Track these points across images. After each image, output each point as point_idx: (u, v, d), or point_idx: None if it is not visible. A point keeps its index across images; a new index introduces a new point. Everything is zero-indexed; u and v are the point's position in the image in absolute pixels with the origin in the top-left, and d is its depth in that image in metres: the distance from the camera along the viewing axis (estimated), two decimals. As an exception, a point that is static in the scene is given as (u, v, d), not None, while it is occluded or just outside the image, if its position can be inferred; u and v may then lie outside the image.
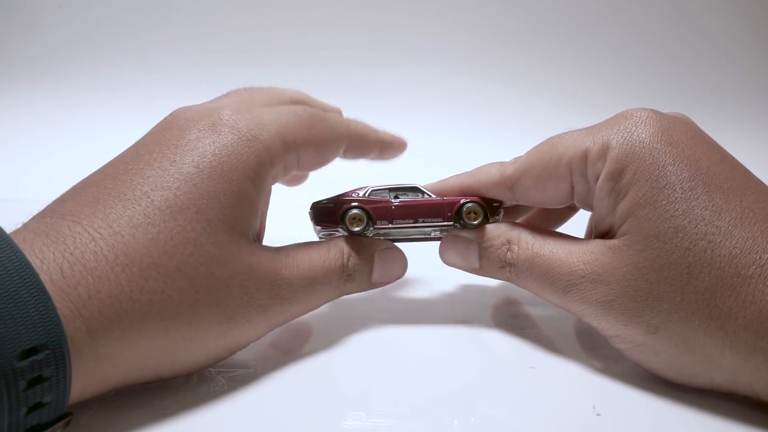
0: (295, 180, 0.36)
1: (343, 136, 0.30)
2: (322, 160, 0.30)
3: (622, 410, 0.24)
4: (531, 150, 0.29)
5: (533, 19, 0.86)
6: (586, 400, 0.25)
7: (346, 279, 0.29)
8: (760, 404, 0.24)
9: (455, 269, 0.31)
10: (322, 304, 0.29)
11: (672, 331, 0.23)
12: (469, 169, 0.32)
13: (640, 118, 0.26)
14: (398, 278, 0.32)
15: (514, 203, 0.32)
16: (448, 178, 0.32)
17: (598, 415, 0.24)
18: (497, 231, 0.30)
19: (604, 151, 0.26)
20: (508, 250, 0.29)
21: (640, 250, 0.24)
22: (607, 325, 0.26)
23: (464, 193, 0.31)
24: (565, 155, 0.27)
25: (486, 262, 0.30)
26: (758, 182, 0.25)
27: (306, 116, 0.29)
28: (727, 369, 0.23)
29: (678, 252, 0.23)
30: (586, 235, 0.34)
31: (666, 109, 0.28)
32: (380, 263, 0.30)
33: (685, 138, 0.26)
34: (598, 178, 0.27)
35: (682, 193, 0.24)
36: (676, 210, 0.24)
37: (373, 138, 0.32)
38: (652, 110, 0.27)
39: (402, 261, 0.32)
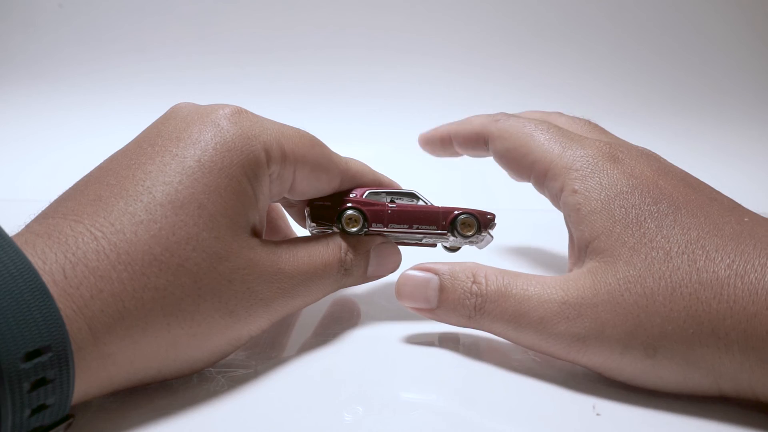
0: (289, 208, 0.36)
1: (340, 168, 0.30)
2: (315, 184, 0.29)
3: (622, 410, 0.24)
4: (513, 124, 0.31)
5: (533, 18, 0.86)
6: (586, 400, 0.25)
7: (344, 273, 0.30)
8: (761, 406, 0.24)
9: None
10: (321, 297, 0.29)
11: (670, 349, 0.23)
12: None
13: (602, 149, 0.28)
14: (392, 272, 0.32)
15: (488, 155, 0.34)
16: (440, 126, 0.36)
17: (598, 415, 0.24)
18: (461, 266, 0.28)
19: (564, 171, 0.28)
20: (473, 282, 0.27)
21: (621, 266, 0.25)
22: (601, 358, 0.25)
23: (449, 141, 0.35)
24: (532, 159, 0.30)
25: (446, 297, 0.28)
26: (722, 198, 0.27)
27: (307, 136, 0.29)
28: (728, 375, 0.23)
29: (657, 263, 0.24)
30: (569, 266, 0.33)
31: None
32: (375, 258, 0.31)
33: (649, 169, 0.27)
34: (558, 192, 0.28)
35: (650, 214, 0.25)
36: (648, 227, 0.25)
37: (370, 179, 0.32)
38: (613, 143, 0.29)
39: (396, 256, 0.32)
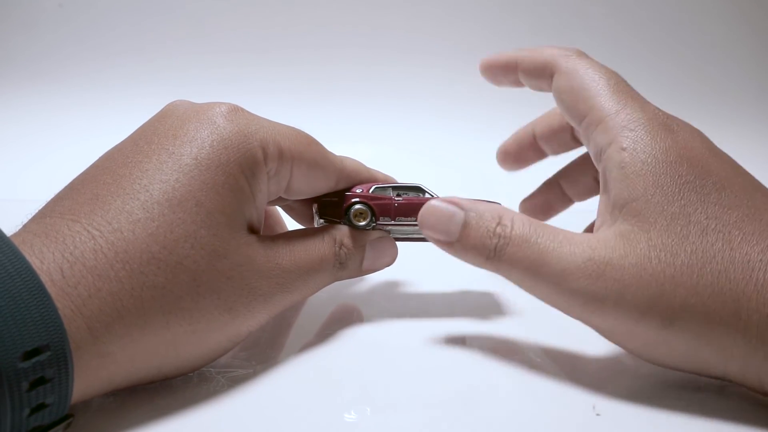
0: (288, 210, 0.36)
1: (337, 166, 0.30)
2: (312, 182, 0.30)
3: (622, 410, 0.24)
4: (584, 64, 0.30)
5: (534, 18, 0.86)
6: (586, 400, 0.25)
7: (339, 267, 0.30)
8: (761, 403, 0.24)
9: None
10: (317, 290, 0.29)
11: (687, 322, 0.23)
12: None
13: (661, 118, 0.27)
14: (387, 266, 0.32)
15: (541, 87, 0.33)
16: (506, 51, 0.34)
17: (598, 415, 0.24)
18: (489, 206, 0.28)
19: (618, 128, 0.27)
20: (499, 224, 0.27)
21: (655, 233, 0.24)
22: (616, 322, 0.24)
23: (513, 67, 0.33)
24: (591, 105, 0.29)
25: (468, 233, 0.27)
26: (765, 189, 0.27)
27: (304, 134, 0.29)
28: (739, 358, 0.23)
29: (692, 237, 0.24)
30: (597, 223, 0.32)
31: (667, 109, 0.28)
32: (371, 252, 0.31)
33: (700, 146, 0.27)
34: (605, 146, 0.27)
35: (692, 187, 0.25)
36: (689, 200, 0.25)
37: (365, 177, 0.32)
38: (669, 116, 0.28)
39: (392, 250, 0.32)
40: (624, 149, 0.26)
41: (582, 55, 0.31)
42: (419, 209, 0.31)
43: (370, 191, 0.31)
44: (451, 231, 0.27)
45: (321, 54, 0.83)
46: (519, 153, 0.40)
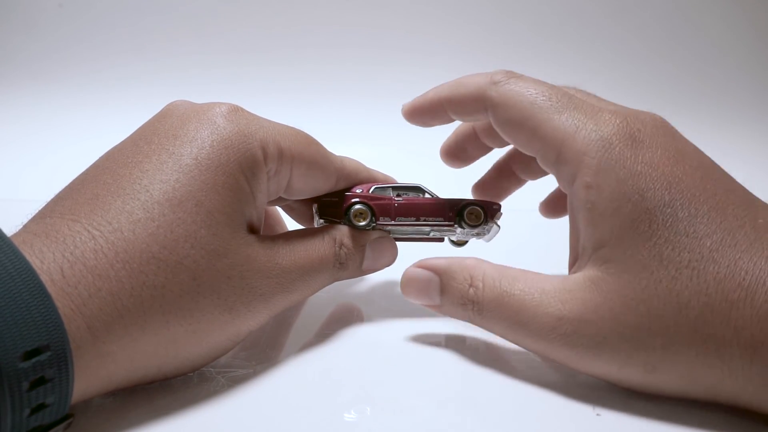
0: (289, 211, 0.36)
1: (336, 166, 0.30)
2: (312, 182, 0.30)
3: (622, 410, 0.24)
4: (516, 90, 0.27)
5: (534, 18, 0.86)
6: (586, 401, 0.25)
7: (339, 267, 0.30)
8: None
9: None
10: (317, 290, 0.29)
11: (670, 368, 0.23)
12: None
13: (619, 128, 0.25)
14: (388, 266, 0.32)
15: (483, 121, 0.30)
16: (427, 92, 0.31)
17: (598, 415, 0.24)
18: (459, 265, 0.28)
19: (578, 157, 0.25)
20: (471, 286, 0.27)
21: (627, 280, 0.23)
22: (599, 371, 0.24)
23: (441, 108, 0.30)
24: (541, 135, 0.27)
25: (447, 298, 0.28)
26: (737, 189, 0.25)
27: (303, 134, 0.29)
28: (728, 393, 0.23)
29: (665, 281, 0.23)
30: (570, 259, 0.30)
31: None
32: (371, 252, 0.31)
33: (666, 156, 0.25)
34: (570, 179, 0.26)
35: (663, 220, 0.23)
36: (659, 237, 0.23)
37: (365, 177, 0.32)
38: (628, 116, 0.26)
39: (392, 250, 0.32)
40: (589, 186, 0.25)
41: (511, 76, 0.28)
42: (419, 208, 0.31)
43: (370, 191, 0.31)
44: (432, 296, 0.28)
45: (321, 54, 0.83)
46: (460, 149, 0.37)
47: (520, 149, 0.29)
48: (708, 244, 0.23)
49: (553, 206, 0.39)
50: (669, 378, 0.23)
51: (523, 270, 0.27)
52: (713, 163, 0.26)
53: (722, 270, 0.22)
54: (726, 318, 0.22)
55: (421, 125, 0.34)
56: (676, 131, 0.27)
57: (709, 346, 0.22)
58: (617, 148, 0.25)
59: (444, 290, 0.28)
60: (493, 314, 0.26)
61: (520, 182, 0.39)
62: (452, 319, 0.33)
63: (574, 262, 0.27)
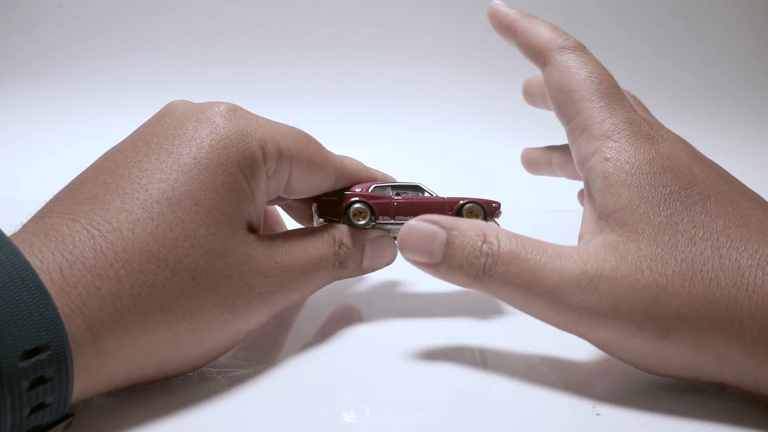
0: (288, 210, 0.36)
1: (336, 165, 0.30)
2: (311, 181, 0.29)
3: (622, 410, 0.24)
4: (578, 62, 0.30)
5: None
6: (586, 400, 0.25)
7: (339, 266, 0.30)
8: (761, 404, 0.24)
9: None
10: (317, 290, 0.29)
11: (683, 332, 0.23)
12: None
13: (647, 129, 0.27)
14: (387, 265, 0.32)
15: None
16: (513, 12, 0.34)
17: (598, 415, 0.24)
18: (471, 222, 0.26)
19: (602, 138, 0.27)
20: (484, 242, 0.25)
21: (644, 244, 0.24)
22: (611, 335, 0.24)
23: (511, 32, 0.33)
24: (578, 109, 0.29)
25: (452, 253, 0.25)
26: (752, 194, 0.27)
27: (303, 134, 0.29)
28: (734, 365, 0.23)
29: (681, 246, 0.24)
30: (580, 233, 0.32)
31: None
32: (371, 251, 0.31)
33: (686, 156, 0.27)
34: (588, 155, 0.27)
35: (679, 196, 0.25)
36: (675, 208, 0.25)
37: (364, 176, 0.32)
38: (657, 125, 0.28)
39: (391, 249, 0.32)
40: (607, 159, 0.26)
41: (578, 48, 0.31)
42: (418, 207, 0.31)
43: (370, 190, 0.31)
44: (435, 252, 0.26)
45: (321, 54, 0.83)
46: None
47: (557, 114, 0.31)
48: (721, 223, 0.24)
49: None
50: (680, 346, 0.23)
51: (537, 239, 0.26)
52: (730, 174, 0.28)
53: (735, 242, 0.24)
54: (738, 281, 0.23)
55: (492, 17, 0.37)
56: (698, 150, 0.29)
57: (721, 307, 0.23)
58: (639, 140, 0.27)
59: (450, 245, 0.25)
60: (507, 271, 0.25)
61: (555, 173, 0.40)
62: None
63: (586, 232, 0.27)
